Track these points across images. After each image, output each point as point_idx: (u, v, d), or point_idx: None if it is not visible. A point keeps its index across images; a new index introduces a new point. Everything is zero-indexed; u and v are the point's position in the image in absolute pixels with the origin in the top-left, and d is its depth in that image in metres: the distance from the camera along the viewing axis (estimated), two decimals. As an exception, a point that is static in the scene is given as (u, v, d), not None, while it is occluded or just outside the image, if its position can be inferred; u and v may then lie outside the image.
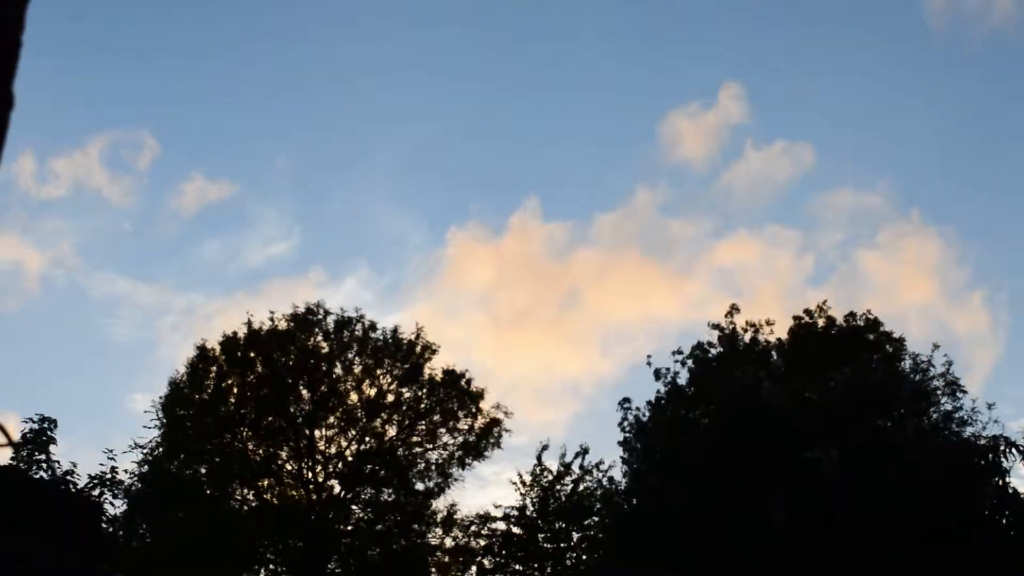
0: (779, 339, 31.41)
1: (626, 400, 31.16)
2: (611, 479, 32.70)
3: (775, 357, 30.69)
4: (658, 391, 31.23)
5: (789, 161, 72.25)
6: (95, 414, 66.61)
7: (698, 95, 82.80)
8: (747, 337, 31.38)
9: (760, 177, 73.17)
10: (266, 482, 37.71)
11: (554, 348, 69.72)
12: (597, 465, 34.54)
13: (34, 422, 24.94)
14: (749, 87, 76.01)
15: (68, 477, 24.73)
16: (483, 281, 73.56)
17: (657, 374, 31.07)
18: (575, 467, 35.03)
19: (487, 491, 65.27)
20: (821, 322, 31.18)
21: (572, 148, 77.56)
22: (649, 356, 31.83)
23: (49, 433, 24.95)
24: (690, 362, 31.09)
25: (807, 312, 31.40)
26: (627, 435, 30.94)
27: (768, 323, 31.64)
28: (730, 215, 75.15)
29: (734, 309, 31.69)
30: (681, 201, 76.11)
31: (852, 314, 31.15)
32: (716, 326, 31.58)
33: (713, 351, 31.19)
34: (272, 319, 38.70)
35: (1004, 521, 25.48)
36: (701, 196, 74.53)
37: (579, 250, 73.43)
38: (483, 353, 71.58)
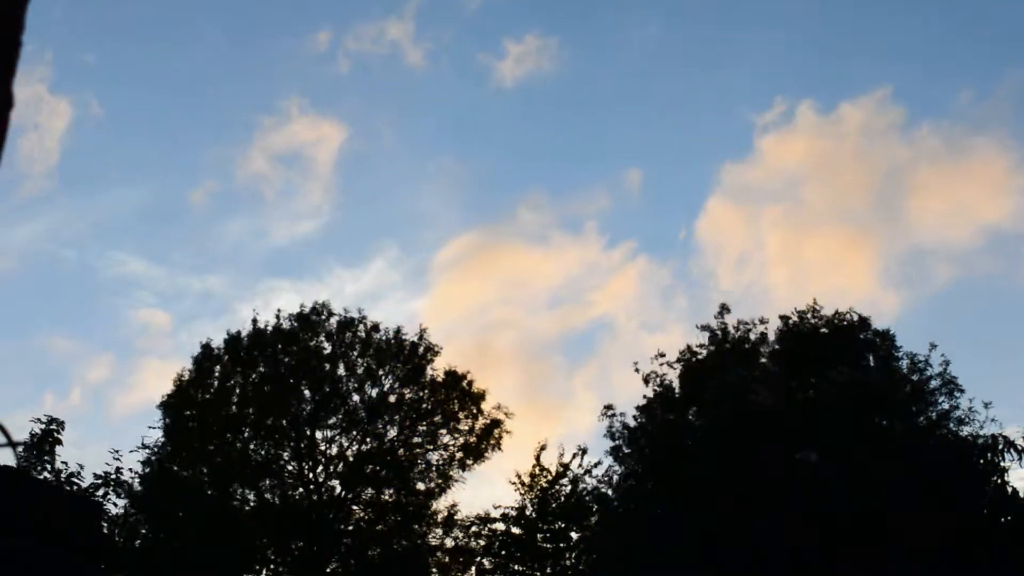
0: (766, 337, 31.45)
1: (609, 407, 31.25)
2: (609, 480, 32.78)
3: (764, 359, 30.71)
4: (648, 395, 31.30)
5: None
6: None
7: None
8: (737, 336, 31.43)
9: None
10: (267, 482, 37.74)
11: (857, 264, 58.86)
12: (596, 465, 34.55)
13: (41, 423, 24.87)
14: None
15: (74, 479, 24.70)
16: (786, 173, 63.63)
17: (646, 379, 31.12)
18: (574, 467, 35.05)
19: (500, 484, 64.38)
20: (813, 322, 31.17)
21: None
22: (636, 362, 31.88)
23: (56, 435, 24.89)
24: (680, 365, 31.16)
25: (799, 312, 31.42)
26: (616, 443, 31.04)
27: (762, 321, 31.69)
28: None
29: (724, 309, 31.74)
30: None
31: (838, 313, 31.15)
32: (706, 327, 31.63)
33: (703, 352, 31.21)
34: (277, 317, 38.85)
35: (1003, 520, 25.48)
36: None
37: (918, 134, 61.83)
38: (771, 268, 62.87)
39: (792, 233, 62.85)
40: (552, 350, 66.67)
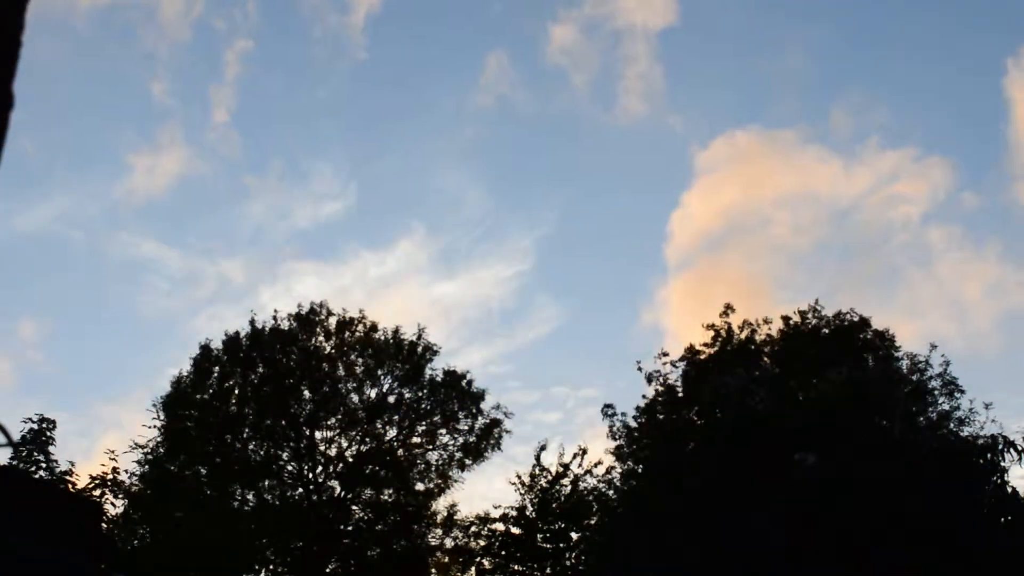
0: (771, 337, 31.50)
1: (609, 406, 31.33)
2: (609, 481, 32.80)
3: (766, 360, 30.77)
4: (650, 395, 31.35)
5: None
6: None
7: None
8: (742, 336, 31.49)
9: None
10: (266, 482, 37.73)
11: None
12: (596, 465, 34.54)
13: (33, 422, 25.01)
14: None
15: (67, 477, 24.77)
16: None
17: (649, 378, 31.19)
18: (573, 467, 35.03)
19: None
20: (814, 322, 31.28)
21: None
22: (639, 361, 31.94)
23: (48, 434, 25.01)
24: (682, 364, 31.21)
25: (800, 312, 31.56)
26: (618, 442, 31.11)
27: (766, 321, 31.77)
28: None
29: (729, 308, 31.82)
30: None
31: (840, 313, 31.32)
32: (711, 326, 31.70)
33: (707, 351, 31.27)
34: (275, 318, 38.84)
35: (1003, 521, 25.47)
36: None
37: None
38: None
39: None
40: (828, 269, 62.02)
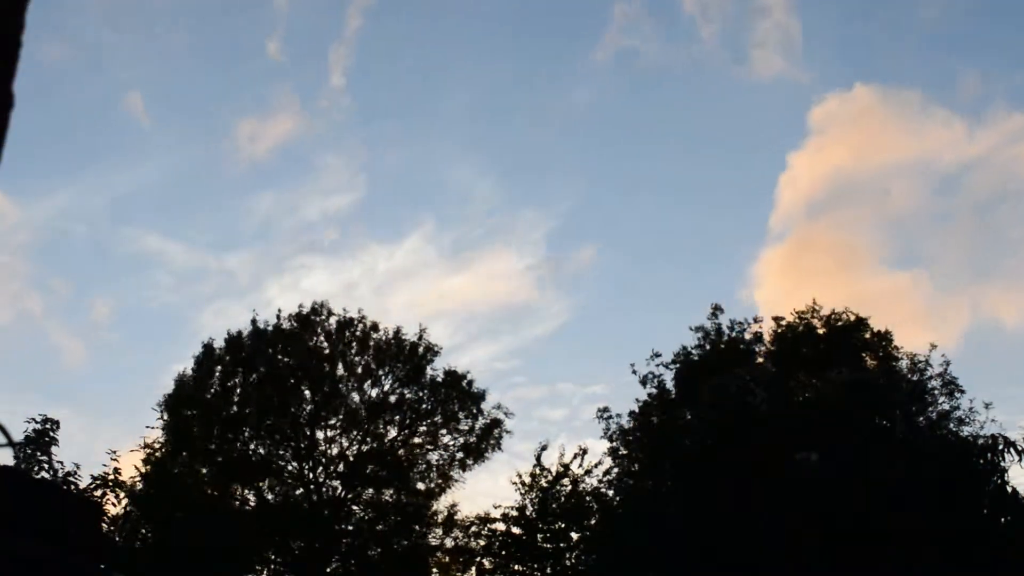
0: (762, 337, 31.54)
1: (605, 410, 31.41)
2: (609, 482, 32.81)
3: (761, 360, 30.78)
4: (645, 397, 31.37)
5: None
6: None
7: None
8: (733, 336, 31.51)
9: None
10: (267, 482, 37.73)
11: None
12: (596, 465, 34.54)
13: (37, 423, 25.00)
14: None
15: (70, 478, 24.77)
16: None
17: (644, 381, 31.21)
18: (574, 467, 35.03)
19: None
20: (812, 322, 31.27)
21: None
22: (633, 364, 31.95)
23: (51, 434, 25.00)
24: (675, 366, 31.22)
25: (798, 313, 31.55)
26: (614, 444, 31.14)
27: (756, 320, 31.82)
28: None
29: (718, 310, 31.83)
30: None
31: (835, 313, 31.30)
32: (699, 328, 31.71)
33: (696, 353, 31.28)
34: (278, 317, 38.87)
35: (1003, 520, 25.47)
36: None
37: None
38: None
39: None
40: (933, 240, 59.77)
